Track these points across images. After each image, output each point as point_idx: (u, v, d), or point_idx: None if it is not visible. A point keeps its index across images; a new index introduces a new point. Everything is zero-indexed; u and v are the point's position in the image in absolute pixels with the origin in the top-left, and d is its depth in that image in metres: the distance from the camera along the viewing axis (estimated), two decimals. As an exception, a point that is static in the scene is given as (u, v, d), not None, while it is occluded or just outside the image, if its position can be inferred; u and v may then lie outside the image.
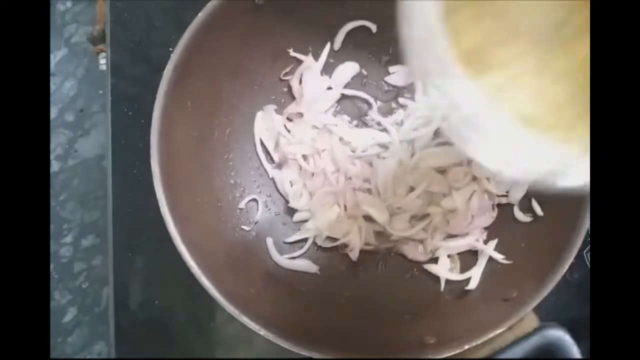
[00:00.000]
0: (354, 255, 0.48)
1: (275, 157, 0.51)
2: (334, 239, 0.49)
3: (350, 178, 0.49)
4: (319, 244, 0.49)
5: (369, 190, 0.49)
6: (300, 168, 0.50)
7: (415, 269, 0.48)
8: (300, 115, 0.50)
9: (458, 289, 0.46)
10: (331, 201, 0.49)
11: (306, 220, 0.50)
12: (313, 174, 0.50)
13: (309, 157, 0.50)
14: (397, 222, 0.48)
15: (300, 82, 0.50)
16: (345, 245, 0.48)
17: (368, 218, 0.49)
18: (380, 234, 0.49)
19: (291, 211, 0.50)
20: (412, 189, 0.48)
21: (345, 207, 0.49)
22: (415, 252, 0.48)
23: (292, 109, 0.50)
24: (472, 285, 0.45)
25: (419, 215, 0.49)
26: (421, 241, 0.48)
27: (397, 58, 0.50)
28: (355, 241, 0.48)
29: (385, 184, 0.48)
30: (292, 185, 0.50)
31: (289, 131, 0.50)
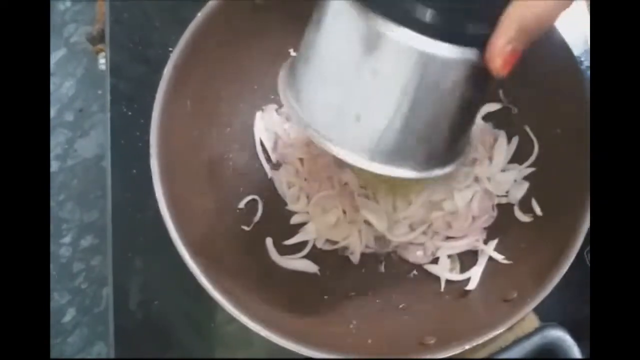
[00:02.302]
0: (354, 258, 0.48)
1: (273, 158, 0.50)
2: (333, 242, 0.48)
3: (346, 183, 0.48)
4: (318, 246, 0.49)
5: (368, 195, 0.48)
6: (297, 171, 0.49)
7: (415, 269, 0.48)
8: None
9: (458, 289, 0.46)
10: (330, 205, 0.48)
11: (305, 223, 0.49)
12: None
13: (304, 160, 0.49)
14: (397, 228, 0.47)
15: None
16: (345, 248, 0.48)
17: (368, 222, 0.48)
18: (380, 238, 0.48)
19: (291, 212, 0.50)
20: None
21: (344, 211, 0.48)
22: (415, 256, 0.48)
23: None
24: (472, 285, 0.45)
25: (419, 221, 0.48)
26: (421, 244, 0.48)
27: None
28: (356, 245, 0.48)
29: (385, 196, 0.47)
30: (289, 187, 0.49)
31: (287, 132, 0.50)
